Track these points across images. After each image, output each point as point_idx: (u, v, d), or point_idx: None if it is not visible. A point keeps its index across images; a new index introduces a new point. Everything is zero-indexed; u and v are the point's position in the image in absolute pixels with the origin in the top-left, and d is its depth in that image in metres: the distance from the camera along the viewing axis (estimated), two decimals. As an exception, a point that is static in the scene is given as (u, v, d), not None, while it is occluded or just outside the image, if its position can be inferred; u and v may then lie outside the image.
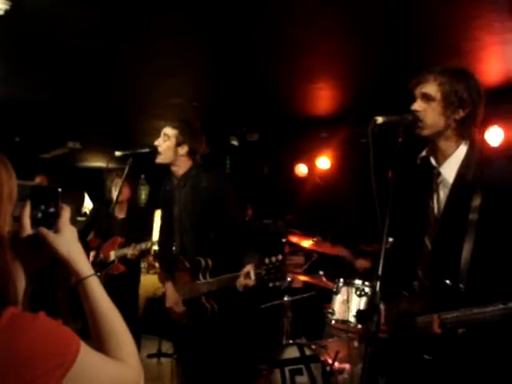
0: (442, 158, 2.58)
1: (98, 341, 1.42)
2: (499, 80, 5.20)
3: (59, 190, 1.52)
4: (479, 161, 2.49)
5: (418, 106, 2.54)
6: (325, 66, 5.18)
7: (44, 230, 1.45)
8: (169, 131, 3.85)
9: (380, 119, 2.37)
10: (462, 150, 2.55)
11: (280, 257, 3.51)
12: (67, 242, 1.47)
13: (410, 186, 2.58)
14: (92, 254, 5.61)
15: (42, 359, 1.23)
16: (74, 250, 1.48)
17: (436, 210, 2.58)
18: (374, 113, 2.45)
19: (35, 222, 1.46)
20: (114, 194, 5.59)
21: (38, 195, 1.49)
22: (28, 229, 1.45)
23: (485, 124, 5.38)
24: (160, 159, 3.84)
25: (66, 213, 1.51)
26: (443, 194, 2.57)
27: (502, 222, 2.39)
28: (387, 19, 4.07)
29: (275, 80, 5.58)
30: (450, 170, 2.55)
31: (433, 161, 2.61)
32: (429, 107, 2.52)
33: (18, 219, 1.45)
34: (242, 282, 3.57)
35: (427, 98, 2.52)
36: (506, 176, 2.48)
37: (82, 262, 1.48)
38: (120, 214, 5.92)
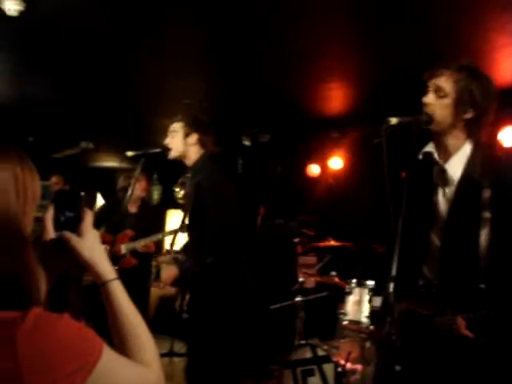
0: (446, 154, 2.56)
1: (121, 344, 1.43)
2: (512, 80, 5.18)
3: (82, 193, 1.54)
4: (485, 159, 2.48)
5: (429, 99, 2.51)
6: (336, 67, 5.18)
7: (67, 234, 1.46)
8: (174, 126, 3.89)
9: (394, 120, 2.36)
10: (467, 148, 2.53)
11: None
12: (90, 245, 1.48)
13: (412, 182, 2.56)
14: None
15: (66, 361, 1.23)
16: (97, 254, 1.49)
17: (442, 206, 2.56)
18: (386, 113, 2.44)
19: (58, 226, 1.47)
20: (129, 191, 5.63)
21: (61, 199, 1.51)
22: (51, 232, 1.47)
23: (498, 124, 5.36)
24: (171, 154, 3.86)
25: (89, 217, 1.52)
26: (449, 190, 2.55)
27: None
28: (400, 20, 4.06)
29: (287, 80, 5.58)
30: (455, 168, 2.53)
31: (437, 157, 2.58)
32: (440, 102, 2.49)
33: (39, 220, 1.46)
34: None
35: (440, 92, 2.49)
36: None
37: (106, 266, 1.49)
38: (132, 209, 5.97)
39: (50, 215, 1.48)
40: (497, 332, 2.29)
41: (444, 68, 2.51)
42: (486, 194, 2.39)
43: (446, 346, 2.39)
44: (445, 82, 2.49)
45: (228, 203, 3.78)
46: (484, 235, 2.37)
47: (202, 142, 3.86)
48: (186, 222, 4.05)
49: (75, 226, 1.48)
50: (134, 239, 5.67)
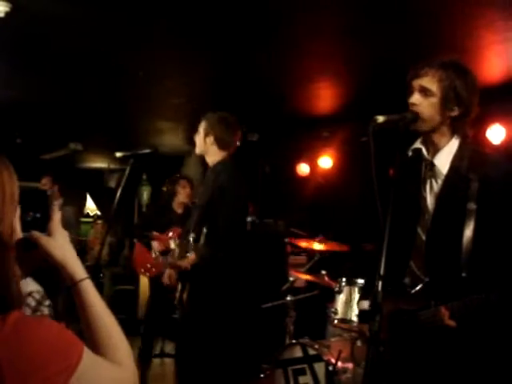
0: (434, 150, 2.58)
1: (94, 344, 1.42)
2: (501, 78, 5.19)
3: (48, 193, 1.53)
4: (472, 153, 2.52)
5: (415, 99, 2.51)
6: (325, 65, 5.18)
7: (36, 234, 1.45)
8: (201, 123, 4.04)
9: (380, 118, 2.37)
10: (455, 143, 2.56)
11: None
12: (61, 244, 1.47)
13: (402, 179, 2.57)
14: (155, 244, 5.72)
15: (48, 363, 1.23)
16: (67, 253, 1.47)
17: (429, 200, 2.58)
18: (375, 111, 2.44)
19: (26, 226, 1.46)
20: (180, 195, 6.23)
21: (27, 199, 1.47)
22: (19, 233, 1.44)
23: (486, 122, 5.38)
24: (196, 150, 4.08)
25: (57, 216, 1.50)
26: (436, 184, 2.57)
27: (501, 210, 2.41)
28: (387, 17, 4.07)
29: (275, 79, 5.57)
30: (443, 162, 2.55)
31: (425, 152, 2.60)
32: (426, 101, 2.49)
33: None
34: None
35: (426, 91, 2.50)
36: (502, 167, 2.51)
37: (76, 265, 1.47)
38: (179, 210, 6.27)
39: (17, 216, 1.45)
40: (481, 318, 2.31)
41: (428, 67, 2.51)
42: (473, 186, 2.41)
43: (431, 340, 2.41)
44: (430, 82, 2.49)
45: (243, 207, 4.00)
46: (469, 226, 2.39)
47: (219, 143, 3.95)
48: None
49: (43, 225, 1.46)
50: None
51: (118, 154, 3.74)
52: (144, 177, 9.92)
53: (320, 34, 4.41)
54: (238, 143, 4.13)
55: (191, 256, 3.84)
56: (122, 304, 8.33)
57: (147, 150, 3.83)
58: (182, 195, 6.25)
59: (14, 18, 4.01)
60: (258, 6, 3.92)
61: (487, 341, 2.41)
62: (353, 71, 5.31)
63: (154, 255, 4.99)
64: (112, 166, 9.75)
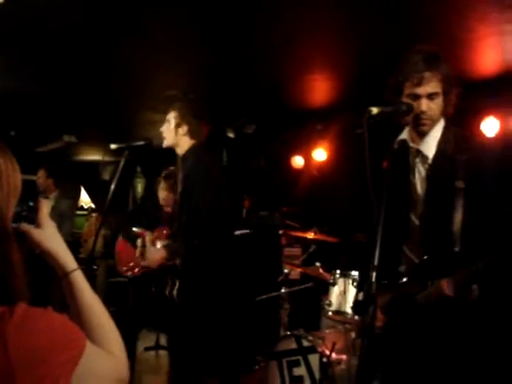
0: (420, 137, 2.64)
1: (86, 334, 1.42)
2: (495, 71, 5.19)
3: (36, 183, 1.54)
4: (456, 135, 2.58)
5: (427, 107, 2.57)
6: (320, 58, 5.17)
7: (25, 226, 1.45)
8: (169, 115, 3.98)
9: (374, 110, 2.38)
10: (439, 127, 2.63)
11: None
12: (50, 236, 1.47)
13: (392, 170, 2.60)
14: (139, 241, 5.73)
15: (55, 353, 1.24)
16: (57, 244, 1.48)
17: (419, 185, 2.64)
18: (370, 104, 2.45)
19: (14, 218, 1.44)
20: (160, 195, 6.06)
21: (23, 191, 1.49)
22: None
23: (480, 115, 5.39)
24: (164, 143, 3.97)
25: (45, 207, 1.50)
26: (423, 169, 2.64)
27: (488, 187, 2.49)
28: (381, 10, 4.06)
29: (270, 72, 5.56)
30: (428, 147, 2.64)
31: (410, 143, 2.67)
32: (434, 104, 2.58)
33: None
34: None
35: (433, 95, 2.56)
36: (486, 146, 2.59)
37: (67, 256, 1.48)
38: (167, 208, 6.11)
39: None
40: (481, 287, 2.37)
41: (427, 71, 2.54)
42: (460, 165, 2.47)
43: (430, 325, 2.43)
44: (436, 86, 2.56)
45: (216, 190, 3.83)
46: (458, 204, 2.44)
47: (192, 133, 3.93)
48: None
49: (32, 217, 1.46)
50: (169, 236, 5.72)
51: (113, 146, 3.75)
52: (138, 169, 9.91)
53: (316, 27, 4.40)
54: (206, 131, 4.08)
55: (158, 254, 3.84)
56: (116, 296, 8.33)
57: (141, 142, 3.84)
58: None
59: (6, 8, 3.99)
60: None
61: (485, 328, 2.45)
62: (347, 64, 5.30)
63: (137, 254, 4.90)
64: (106, 159, 9.73)
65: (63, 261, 1.47)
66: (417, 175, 2.66)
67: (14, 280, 1.31)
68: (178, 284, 3.93)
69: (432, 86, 2.55)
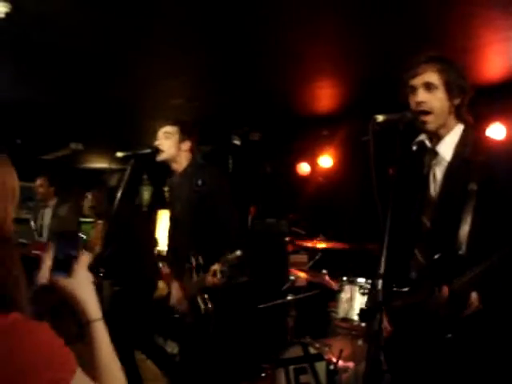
0: (437, 139, 2.62)
1: (95, 373, 1.47)
2: (501, 77, 5.19)
3: (81, 235, 1.60)
4: (476, 140, 2.56)
5: (422, 97, 2.53)
6: (326, 65, 5.18)
7: (56, 280, 1.51)
8: (170, 129, 3.93)
9: (380, 118, 2.38)
10: (458, 130, 2.61)
11: (238, 253, 3.49)
12: (81, 284, 1.53)
13: (406, 174, 2.59)
14: None
15: (42, 369, 1.23)
16: (85, 292, 1.53)
17: (432, 188, 2.62)
18: (376, 111, 2.45)
19: (55, 265, 1.52)
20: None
21: (60, 240, 1.57)
22: (46, 273, 1.51)
23: (487, 120, 5.38)
24: (163, 156, 3.89)
25: (86, 259, 1.57)
26: (439, 172, 2.61)
27: (501, 190, 2.45)
28: (387, 17, 4.06)
29: (276, 79, 5.57)
30: (446, 149, 2.60)
31: (428, 143, 2.64)
32: (433, 96, 2.53)
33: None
34: (209, 280, 3.58)
35: (430, 86, 2.52)
36: (504, 152, 2.56)
37: (93, 305, 1.53)
38: None
39: (48, 255, 1.52)
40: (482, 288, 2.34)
41: (423, 63, 2.54)
42: (475, 168, 2.45)
43: (436, 328, 2.42)
44: (431, 76, 2.52)
45: (232, 203, 3.91)
46: (469, 206, 2.42)
47: (192, 149, 3.93)
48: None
49: (67, 265, 1.53)
50: None
51: (119, 154, 3.75)
52: (145, 177, 9.92)
53: (321, 34, 4.41)
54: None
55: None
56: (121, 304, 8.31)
57: (148, 150, 3.84)
58: None
59: (13, 19, 4.02)
60: (259, 6, 3.92)
61: (491, 338, 2.43)
62: (353, 70, 5.30)
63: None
64: (113, 166, 9.74)
65: (88, 308, 1.52)
66: (431, 178, 2.64)
67: (12, 288, 1.32)
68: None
69: (427, 75, 2.52)
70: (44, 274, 1.51)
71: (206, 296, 3.74)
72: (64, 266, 1.52)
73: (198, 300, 3.75)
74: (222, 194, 3.83)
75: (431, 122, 2.54)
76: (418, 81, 2.54)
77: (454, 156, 2.57)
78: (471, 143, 2.55)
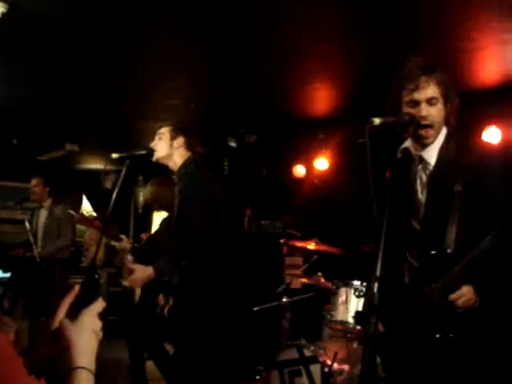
0: (423, 144, 2.63)
1: None
2: (497, 80, 5.20)
3: (104, 285, 1.59)
4: (459, 142, 2.58)
5: (427, 112, 2.54)
6: (322, 67, 5.19)
7: (63, 322, 1.50)
8: (162, 129, 3.91)
9: (377, 120, 2.37)
10: (441, 134, 2.63)
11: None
12: (79, 328, 1.50)
13: (395, 180, 2.60)
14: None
15: None
16: (82, 339, 1.49)
17: (420, 192, 2.64)
18: (372, 113, 2.45)
19: (73, 310, 1.52)
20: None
21: (86, 289, 1.58)
22: (58, 320, 1.50)
23: (482, 124, 5.39)
24: (156, 156, 3.86)
25: (98, 305, 1.55)
26: (425, 176, 2.64)
27: (486, 191, 2.47)
28: (384, 21, 4.07)
29: (272, 81, 5.57)
30: (430, 153, 2.62)
31: (412, 150, 2.66)
32: (435, 110, 2.55)
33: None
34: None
35: (432, 100, 2.54)
36: (488, 153, 2.59)
37: (83, 354, 1.48)
38: None
39: (65, 304, 1.52)
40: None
41: (423, 75, 2.54)
42: (460, 170, 2.49)
43: (429, 330, 2.43)
44: (435, 91, 2.54)
45: (209, 208, 3.74)
46: (455, 207, 2.46)
47: (187, 145, 3.88)
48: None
49: (75, 311, 1.53)
50: None
51: (115, 155, 3.73)
52: (140, 178, 9.91)
53: (317, 37, 4.41)
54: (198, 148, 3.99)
55: (145, 273, 3.67)
56: (117, 305, 8.32)
57: (143, 152, 3.82)
58: None
59: (10, 19, 4.01)
60: (258, 7, 3.92)
61: (488, 338, 2.44)
62: (349, 73, 5.31)
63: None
64: (108, 168, 9.73)
65: (76, 355, 1.47)
66: (418, 183, 2.66)
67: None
68: (171, 302, 3.88)
69: (430, 90, 2.53)
70: (55, 321, 1.50)
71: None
72: (76, 309, 1.52)
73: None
74: (192, 201, 3.74)
75: (432, 135, 2.58)
76: (421, 96, 2.53)
77: (438, 159, 2.60)
78: (454, 145, 2.58)
